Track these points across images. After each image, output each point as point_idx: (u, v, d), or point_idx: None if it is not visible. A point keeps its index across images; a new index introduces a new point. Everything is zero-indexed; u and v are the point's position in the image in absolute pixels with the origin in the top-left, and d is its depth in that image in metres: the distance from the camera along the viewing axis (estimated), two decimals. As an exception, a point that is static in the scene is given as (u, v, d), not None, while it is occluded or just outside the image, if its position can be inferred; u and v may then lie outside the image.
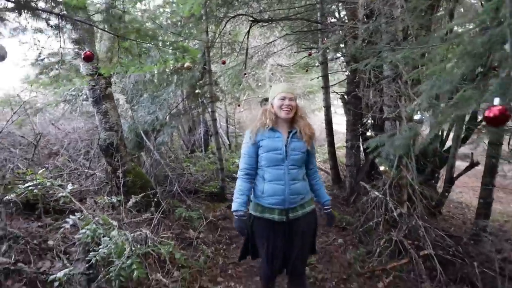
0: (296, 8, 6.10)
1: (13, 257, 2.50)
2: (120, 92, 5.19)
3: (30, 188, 3.21)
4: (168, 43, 2.57)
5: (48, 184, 3.21)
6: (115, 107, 3.92)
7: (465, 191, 8.98)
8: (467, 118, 4.97)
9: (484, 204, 4.35)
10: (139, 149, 4.91)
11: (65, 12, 1.82)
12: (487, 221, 4.26)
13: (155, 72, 5.01)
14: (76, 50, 2.61)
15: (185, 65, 3.50)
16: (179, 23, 5.10)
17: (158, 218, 3.39)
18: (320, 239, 4.23)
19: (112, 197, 3.65)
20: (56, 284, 2.35)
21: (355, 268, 3.49)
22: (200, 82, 5.24)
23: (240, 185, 2.29)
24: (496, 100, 0.88)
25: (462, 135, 5.02)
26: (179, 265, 3.21)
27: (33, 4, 1.69)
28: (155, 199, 3.90)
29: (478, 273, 3.06)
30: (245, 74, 6.57)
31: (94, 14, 2.09)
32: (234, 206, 2.25)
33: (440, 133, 5.19)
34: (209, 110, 5.58)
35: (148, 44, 2.47)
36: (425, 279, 3.20)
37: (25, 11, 1.66)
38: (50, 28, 1.86)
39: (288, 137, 2.25)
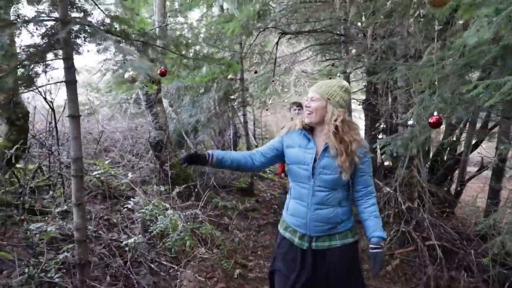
0: (322, 22, 6.64)
1: (91, 228, 3.20)
2: (164, 96, 5.91)
3: (97, 176, 3.93)
4: (216, 60, 3.21)
5: (113, 172, 3.92)
6: (164, 110, 4.62)
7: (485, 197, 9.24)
8: (478, 126, 5.40)
9: (491, 204, 4.78)
10: (179, 147, 5.60)
11: (148, 40, 2.50)
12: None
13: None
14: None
15: (228, 77, 4.16)
16: (215, 36, 5.78)
17: (202, 204, 4.01)
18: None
19: (161, 186, 4.34)
20: (126, 248, 3.03)
21: (367, 253, 4.01)
22: (234, 88, 5.89)
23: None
24: (435, 113, 1.43)
25: (473, 142, 5.45)
26: (217, 244, 3.83)
27: (130, 36, 2.36)
28: (196, 190, 4.56)
29: (474, 260, 3.53)
30: (273, 81, 7.18)
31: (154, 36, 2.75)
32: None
33: (453, 139, 5.63)
34: (239, 114, 6.23)
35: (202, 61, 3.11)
36: (428, 263, 3.69)
37: (124, 41, 2.33)
38: (136, 51, 2.53)
39: (322, 151, 1.84)
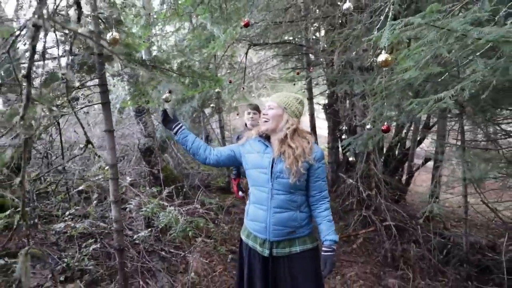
0: (286, 34, 7.36)
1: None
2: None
3: (98, 181, 4.34)
4: (208, 77, 3.78)
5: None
6: (152, 119, 5.09)
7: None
8: (420, 126, 6.37)
9: (433, 190, 5.72)
10: (162, 152, 6.07)
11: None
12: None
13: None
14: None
15: (216, 90, 4.74)
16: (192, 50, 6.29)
17: (197, 201, 4.55)
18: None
19: (152, 188, 4.82)
20: (137, 241, 3.52)
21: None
22: (209, 95, 6.45)
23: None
24: (386, 122, 2.12)
25: (418, 138, 6.41)
26: (209, 235, 4.39)
27: (145, 62, 2.89)
28: (184, 190, 5.09)
29: (420, 234, 4.38)
30: (243, 88, 7.81)
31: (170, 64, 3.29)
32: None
33: (402, 136, 6.56)
34: (213, 120, 6.79)
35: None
36: (385, 240, 4.49)
37: (141, 65, 2.84)
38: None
39: (278, 156, 1.93)
